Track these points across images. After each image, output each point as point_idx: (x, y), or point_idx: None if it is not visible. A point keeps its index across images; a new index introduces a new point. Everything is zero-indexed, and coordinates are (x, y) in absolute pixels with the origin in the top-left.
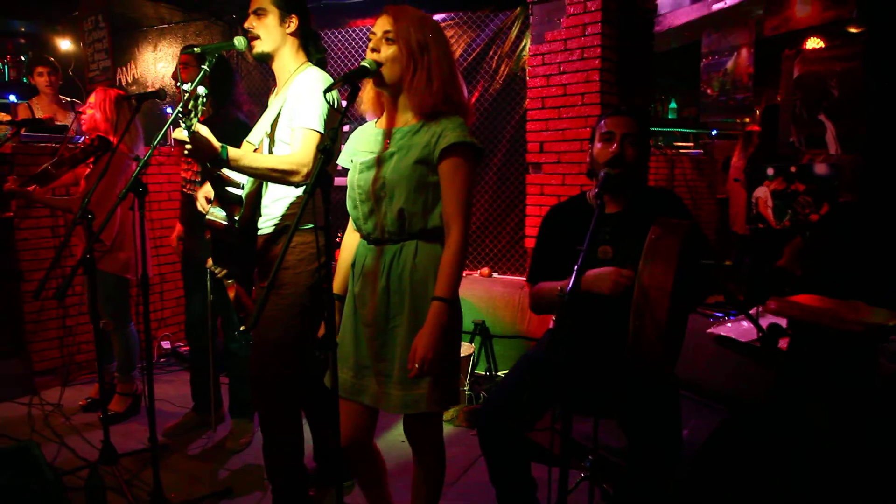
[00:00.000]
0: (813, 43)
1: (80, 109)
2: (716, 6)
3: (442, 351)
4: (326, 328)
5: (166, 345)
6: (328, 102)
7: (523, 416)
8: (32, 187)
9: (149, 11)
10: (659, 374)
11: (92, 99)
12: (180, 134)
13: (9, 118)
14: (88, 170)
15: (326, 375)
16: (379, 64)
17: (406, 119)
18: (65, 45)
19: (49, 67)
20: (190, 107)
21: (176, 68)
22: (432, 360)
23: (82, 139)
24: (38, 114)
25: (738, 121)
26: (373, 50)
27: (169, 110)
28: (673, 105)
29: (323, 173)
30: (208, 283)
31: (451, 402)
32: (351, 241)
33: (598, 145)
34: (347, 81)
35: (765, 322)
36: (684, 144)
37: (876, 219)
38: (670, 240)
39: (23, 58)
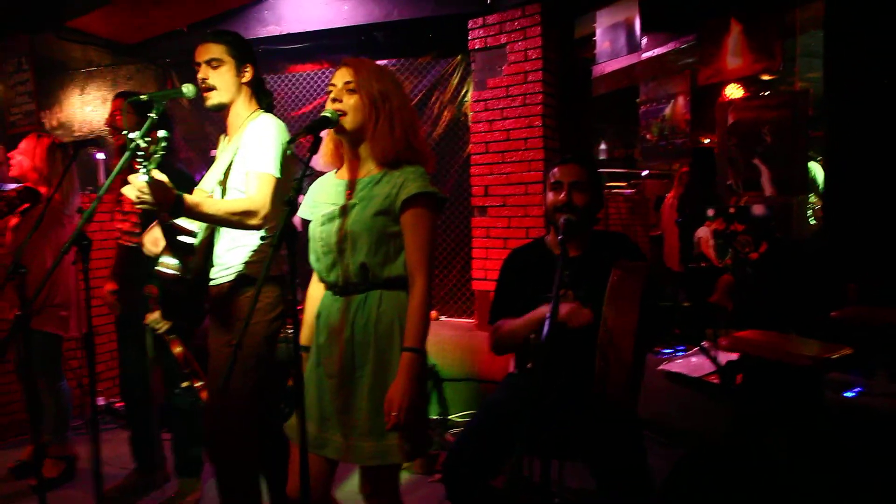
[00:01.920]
0: (744, 92)
1: (9, 156)
2: (645, 55)
3: (416, 401)
4: (294, 381)
5: (100, 401)
6: (287, 155)
7: (488, 462)
8: None
9: (76, 54)
10: (625, 414)
11: (22, 146)
12: (137, 181)
13: None
14: (16, 220)
15: (286, 424)
16: (341, 113)
17: (368, 169)
18: None
19: None
20: (152, 150)
21: (112, 115)
22: (408, 410)
23: (8, 188)
24: None
25: (677, 164)
26: (334, 100)
27: (101, 156)
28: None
29: (288, 225)
30: (148, 339)
31: (421, 452)
32: (316, 292)
33: (549, 194)
34: (310, 132)
35: (719, 358)
36: (617, 184)
37: (809, 255)
38: (632, 282)
39: None
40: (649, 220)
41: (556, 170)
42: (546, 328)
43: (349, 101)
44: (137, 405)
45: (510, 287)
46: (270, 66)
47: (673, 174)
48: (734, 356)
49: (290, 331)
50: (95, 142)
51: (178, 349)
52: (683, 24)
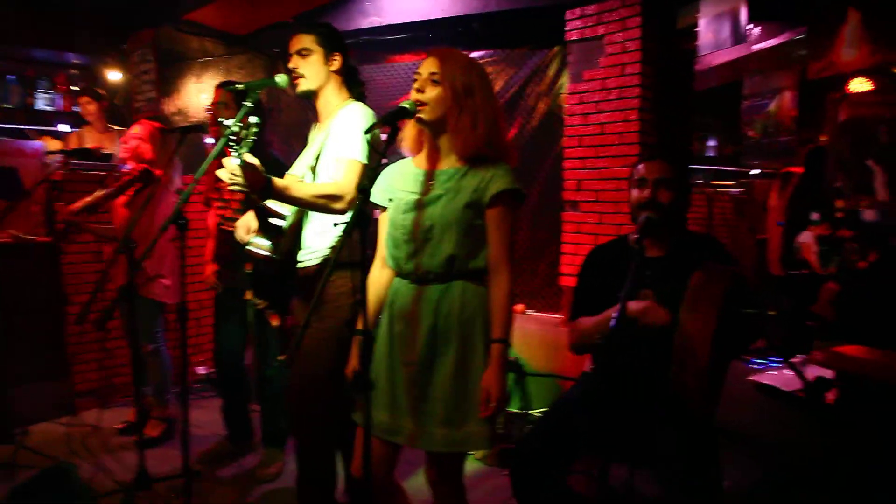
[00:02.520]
0: (860, 86)
1: (123, 140)
2: (755, 47)
3: (506, 390)
4: (362, 367)
5: (201, 370)
6: (368, 143)
7: (556, 460)
8: (87, 217)
9: (194, 45)
10: (697, 422)
11: (134, 130)
12: (231, 164)
13: (60, 146)
14: (126, 198)
15: (356, 413)
16: (420, 104)
17: (450, 161)
18: (114, 76)
19: (90, 97)
20: (242, 135)
21: (214, 104)
22: (501, 399)
23: (127, 169)
24: (88, 142)
25: (781, 164)
26: (418, 90)
27: (210, 141)
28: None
29: (361, 212)
30: (249, 313)
31: (495, 442)
32: (378, 279)
33: (633, 191)
34: (387, 123)
35: (810, 372)
36: (724, 183)
37: None
38: (714, 287)
39: (73, 88)
40: (756, 222)
41: (640, 166)
42: (610, 328)
43: (432, 93)
44: (231, 377)
45: (590, 285)
46: (371, 56)
47: (779, 174)
48: (828, 372)
49: None
50: (200, 127)
51: (276, 323)
52: (794, 13)
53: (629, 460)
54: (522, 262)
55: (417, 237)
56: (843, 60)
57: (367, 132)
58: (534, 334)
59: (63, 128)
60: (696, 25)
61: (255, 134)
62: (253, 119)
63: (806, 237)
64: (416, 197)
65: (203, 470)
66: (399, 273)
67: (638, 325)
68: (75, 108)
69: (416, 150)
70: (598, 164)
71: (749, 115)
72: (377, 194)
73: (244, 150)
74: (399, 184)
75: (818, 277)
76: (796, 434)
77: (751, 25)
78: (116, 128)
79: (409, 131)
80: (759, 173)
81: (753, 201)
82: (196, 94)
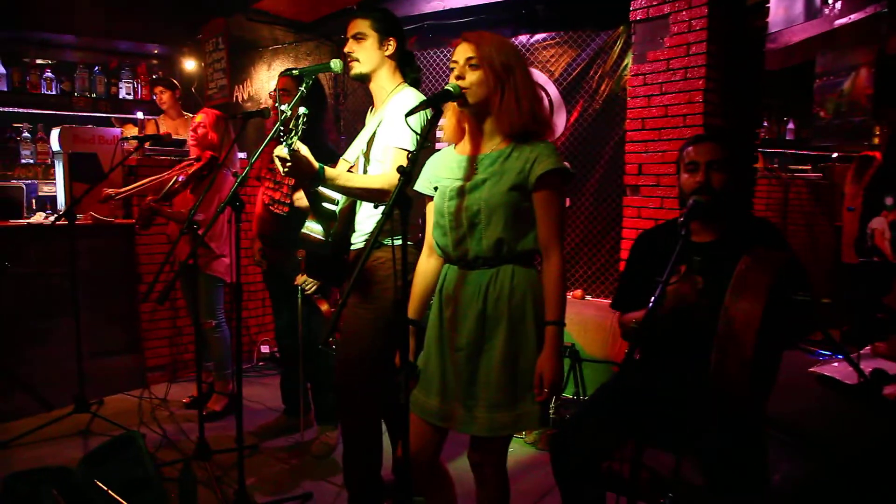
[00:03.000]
0: None
1: (191, 129)
2: (838, 22)
3: (561, 373)
4: (403, 354)
5: (265, 349)
6: (410, 127)
7: (597, 445)
8: (166, 204)
9: (264, 33)
10: (742, 411)
11: (199, 118)
12: (281, 151)
13: (136, 133)
14: (191, 183)
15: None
16: (464, 89)
17: (494, 144)
18: (189, 65)
19: (164, 86)
20: (292, 125)
21: (276, 90)
22: (556, 382)
23: (192, 155)
24: (163, 129)
25: (864, 144)
26: (458, 78)
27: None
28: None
29: (401, 195)
30: (299, 298)
31: (547, 422)
32: (426, 267)
33: (684, 175)
34: (431, 105)
35: (872, 364)
36: (801, 167)
37: None
38: (761, 273)
39: (153, 77)
40: (835, 207)
41: (690, 148)
42: (644, 315)
43: (472, 77)
44: (288, 353)
45: (637, 271)
46: (435, 41)
47: (856, 158)
48: (889, 364)
49: None
50: (261, 113)
51: (324, 307)
52: None
53: (673, 448)
54: (582, 247)
55: (464, 223)
56: None
57: (407, 115)
58: (591, 320)
59: (142, 115)
60: (766, 1)
61: (305, 122)
62: (302, 109)
63: (878, 223)
64: (460, 183)
65: (259, 443)
66: (447, 260)
67: (680, 309)
68: (154, 97)
69: (458, 137)
70: (660, 148)
71: (821, 94)
72: (422, 183)
73: (295, 137)
74: (443, 172)
75: (892, 266)
76: (851, 428)
77: (831, 1)
78: (189, 115)
79: (449, 119)
80: (839, 157)
81: (833, 186)
82: (266, 81)
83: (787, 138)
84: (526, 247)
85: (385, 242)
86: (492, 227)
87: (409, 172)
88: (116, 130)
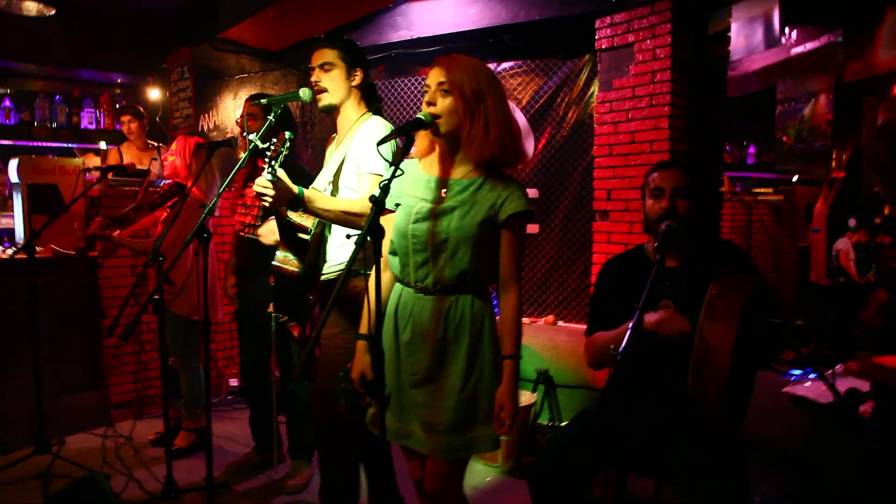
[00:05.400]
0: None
1: (163, 157)
2: (794, 50)
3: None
4: (375, 376)
5: (234, 382)
6: (381, 155)
7: (577, 473)
8: (115, 231)
9: (231, 62)
10: (722, 435)
11: (173, 147)
12: (260, 184)
13: (98, 162)
14: (165, 213)
15: (369, 420)
16: (435, 116)
17: (464, 170)
18: (154, 94)
19: (131, 115)
20: (277, 151)
21: (242, 117)
22: (515, 414)
23: (163, 184)
24: (126, 158)
25: (823, 170)
26: (429, 103)
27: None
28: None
29: (374, 224)
30: (272, 326)
31: (498, 444)
32: (384, 281)
33: (649, 201)
34: (402, 133)
35: (846, 383)
36: (763, 191)
37: None
38: (732, 297)
39: (117, 106)
40: (798, 229)
41: (655, 175)
42: (625, 340)
43: (443, 104)
44: (256, 388)
45: (606, 297)
46: (403, 69)
47: (825, 180)
48: (864, 384)
49: None
50: (228, 142)
51: (298, 334)
52: (831, 15)
53: (654, 474)
54: (553, 272)
55: (428, 248)
56: (880, 62)
57: (379, 143)
58: (564, 345)
59: (104, 145)
60: (728, 31)
61: (289, 148)
62: (288, 134)
63: (842, 244)
64: (428, 206)
65: (230, 481)
66: (402, 281)
67: (659, 336)
68: (118, 126)
69: (428, 153)
70: (628, 174)
71: (783, 119)
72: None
73: (277, 164)
74: (408, 189)
75: (858, 286)
76: (828, 447)
77: (787, 30)
78: (155, 144)
79: (421, 141)
80: (799, 179)
81: (794, 208)
82: (233, 111)
83: (749, 162)
84: (486, 279)
85: (361, 272)
86: (458, 257)
87: (382, 202)
88: (77, 161)
